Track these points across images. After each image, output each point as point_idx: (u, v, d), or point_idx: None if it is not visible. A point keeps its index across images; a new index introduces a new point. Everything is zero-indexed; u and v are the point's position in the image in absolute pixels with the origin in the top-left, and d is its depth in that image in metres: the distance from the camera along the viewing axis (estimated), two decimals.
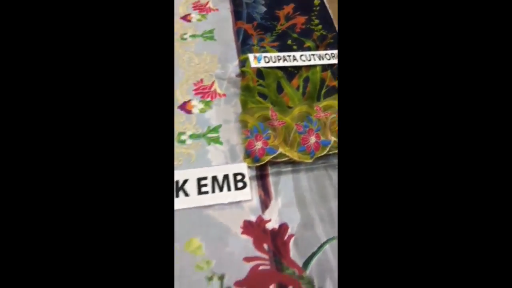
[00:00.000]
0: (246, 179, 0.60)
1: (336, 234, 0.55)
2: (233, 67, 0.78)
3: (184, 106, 0.71)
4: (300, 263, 0.52)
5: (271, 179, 0.61)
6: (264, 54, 0.76)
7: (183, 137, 0.66)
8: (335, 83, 0.74)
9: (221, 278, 0.51)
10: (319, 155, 0.63)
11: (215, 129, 0.68)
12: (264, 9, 0.90)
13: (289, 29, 0.84)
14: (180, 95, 0.73)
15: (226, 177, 0.60)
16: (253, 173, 0.62)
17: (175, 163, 0.62)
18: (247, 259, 0.52)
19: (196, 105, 0.71)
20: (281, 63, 0.75)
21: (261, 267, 0.52)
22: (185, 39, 0.84)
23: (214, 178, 0.60)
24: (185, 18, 0.89)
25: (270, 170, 0.62)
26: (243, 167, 0.61)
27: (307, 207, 0.58)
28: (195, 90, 0.74)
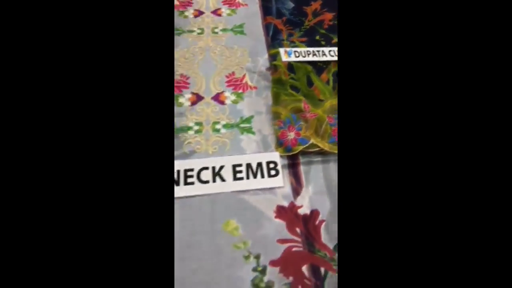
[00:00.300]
0: (279, 167, 0.63)
1: None
2: (263, 61, 0.81)
3: (217, 97, 0.74)
4: (331, 246, 0.56)
5: (302, 168, 0.64)
6: (294, 49, 0.79)
7: (217, 126, 0.70)
8: None
9: (257, 257, 0.54)
10: None
11: (248, 120, 0.71)
12: (292, 5, 0.93)
13: (316, 25, 0.87)
14: (213, 87, 0.76)
15: (259, 164, 0.64)
16: (285, 162, 0.65)
17: (210, 150, 0.66)
18: (281, 241, 0.56)
19: (229, 96, 0.75)
20: (310, 58, 0.78)
21: (294, 249, 0.55)
22: (216, 32, 0.87)
23: (249, 165, 0.64)
24: (216, 12, 0.92)
25: (301, 159, 0.65)
26: (275, 156, 0.65)
27: (337, 195, 0.61)
28: (227, 82, 0.77)
